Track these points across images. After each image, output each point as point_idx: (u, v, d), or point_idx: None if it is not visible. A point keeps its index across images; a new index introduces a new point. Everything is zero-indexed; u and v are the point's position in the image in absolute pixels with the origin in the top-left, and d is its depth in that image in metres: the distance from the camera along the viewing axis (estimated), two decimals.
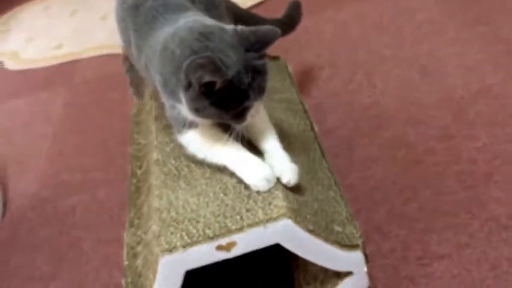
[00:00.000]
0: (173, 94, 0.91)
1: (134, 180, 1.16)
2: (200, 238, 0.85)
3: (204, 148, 0.96)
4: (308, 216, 0.89)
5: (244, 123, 0.90)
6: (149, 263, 0.92)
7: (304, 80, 1.67)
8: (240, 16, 1.24)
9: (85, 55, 2.22)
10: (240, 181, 0.93)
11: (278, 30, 0.88)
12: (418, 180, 1.27)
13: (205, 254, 0.85)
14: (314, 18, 1.93)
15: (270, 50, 1.43)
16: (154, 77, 0.96)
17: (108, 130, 1.75)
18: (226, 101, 0.85)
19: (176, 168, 1.00)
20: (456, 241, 1.12)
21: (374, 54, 1.69)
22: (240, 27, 0.89)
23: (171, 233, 0.87)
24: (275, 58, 1.40)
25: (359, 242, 0.92)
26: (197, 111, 0.88)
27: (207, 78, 0.83)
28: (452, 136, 1.34)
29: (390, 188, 1.27)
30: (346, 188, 1.29)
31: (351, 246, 0.91)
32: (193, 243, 0.85)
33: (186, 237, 0.86)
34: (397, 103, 1.49)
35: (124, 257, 1.02)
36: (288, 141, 1.07)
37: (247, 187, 0.91)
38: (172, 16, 0.97)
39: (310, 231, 0.86)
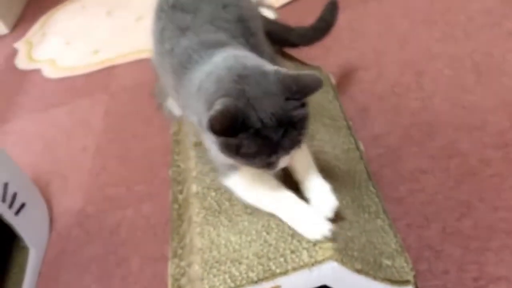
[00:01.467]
0: (208, 135, 0.87)
1: (176, 206, 1.14)
2: (244, 282, 0.82)
3: (252, 194, 0.91)
4: (355, 254, 0.84)
5: (275, 171, 0.85)
6: None
7: (348, 83, 1.60)
8: (270, 29, 1.18)
9: (122, 60, 2.21)
10: None
11: (321, 78, 0.82)
12: (472, 193, 1.19)
13: None
14: (356, 11, 1.85)
15: (310, 52, 1.39)
16: (192, 119, 0.93)
17: (149, 140, 1.74)
18: (252, 152, 0.80)
19: (217, 202, 0.97)
20: None
21: (423, 52, 1.60)
22: (282, 71, 0.83)
23: (214, 276, 0.84)
24: (316, 68, 1.34)
25: (410, 277, 0.87)
26: (225, 155, 0.83)
27: (224, 131, 0.79)
28: (509, 143, 1.26)
29: (442, 202, 1.20)
30: (395, 201, 1.23)
31: (402, 282, 0.86)
32: (236, 287, 0.82)
33: (229, 281, 0.83)
34: (448, 107, 1.41)
35: None
36: (332, 165, 1.03)
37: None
38: (208, 53, 0.91)
39: (358, 271, 0.82)
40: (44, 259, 1.50)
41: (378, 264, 0.87)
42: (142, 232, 1.46)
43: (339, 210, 0.91)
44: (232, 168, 0.91)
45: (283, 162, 0.84)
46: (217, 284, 0.83)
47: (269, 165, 0.83)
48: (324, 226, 0.84)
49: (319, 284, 0.82)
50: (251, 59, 0.88)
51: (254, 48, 0.96)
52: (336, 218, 0.89)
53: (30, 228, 1.49)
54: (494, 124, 1.31)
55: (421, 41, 1.64)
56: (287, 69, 0.84)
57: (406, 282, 0.86)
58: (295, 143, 0.82)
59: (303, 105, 0.82)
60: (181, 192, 1.15)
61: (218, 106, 0.79)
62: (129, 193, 1.60)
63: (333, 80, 1.32)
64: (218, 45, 0.93)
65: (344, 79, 1.60)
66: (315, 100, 1.15)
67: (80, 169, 1.75)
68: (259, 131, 0.79)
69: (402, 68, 1.57)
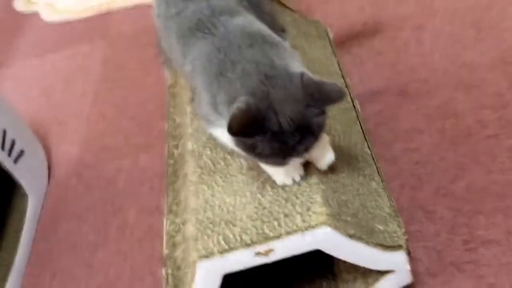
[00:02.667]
0: (216, 115, 0.88)
1: (171, 161, 1.15)
2: (238, 244, 0.84)
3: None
4: (348, 219, 0.86)
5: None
6: (187, 261, 0.92)
7: (346, 36, 1.58)
8: None
9: (121, 4, 2.16)
10: None
11: (344, 91, 0.82)
12: (467, 155, 1.20)
13: (242, 260, 0.84)
14: None
15: (309, 3, 1.36)
16: (200, 91, 0.92)
17: (147, 90, 1.73)
18: (266, 153, 0.82)
19: (212, 161, 0.98)
20: (506, 226, 1.07)
21: (423, 6, 1.57)
22: (306, 76, 0.83)
23: (208, 237, 0.86)
24: (316, 22, 1.32)
25: (403, 242, 0.89)
26: (238, 148, 0.85)
27: (242, 132, 0.80)
28: (506, 104, 1.26)
29: (437, 163, 1.21)
30: (389, 161, 1.24)
31: (394, 247, 0.88)
32: (230, 249, 0.83)
33: (223, 242, 0.84)
34: (447, 64, 1.40)
35: (164, 246, 1.03)
36: (327, 125, 1.03)
37: (284, 186, 0.89)
38: (221, 20, 0.90)
39: (351, 236, 0.84)
40: (43, 207, 1.53)
41: (371, 228, 0.88)
42: (139, 184, 1.48)
43: (334, 174, 0.93)
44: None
45: (295, 161, 0.85)
46: (211, 245, 0.85)
47: (279, 163, 0.85)
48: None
49: (312, 249, 0.84)
50: (277, 56, 0.86)
51: (256, 7, 0.95)
52: (331, 180, 0.91)
53: (29, 176, 1.50)
54: (492, 83, 1.31)
55: None
56: (310, 73, 0.84)
57: (398, 247, 0.88)
58: (309, 148, 0.83)
59: (322, 112, 0.82)
60: (176, 147, 1.15)
61: (240, 104, 0.80)
62: (126, 143, 1.60)
63: (331, 35, 1.31)
64: (229, 12, 0.91)
65: (342, 32, 1.58)
66: (313, 56, 1.14)
67: (78, 116, 1.74)
68: (275, 135, 0.80)
69: (401, 22, 1.55)
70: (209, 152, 1.00)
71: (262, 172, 0.92)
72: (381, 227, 0.90)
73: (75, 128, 1.72)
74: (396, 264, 0.88)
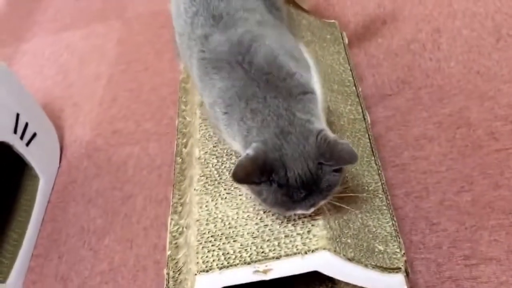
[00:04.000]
0: (226, 137, 0.90)
1: (179, 160, 1.16)
2: (237, 261, 0.85)
3: None
4: (349, 241, 0.87)
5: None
6: (188, 268, 0.93)
7: (363, 35, 1.56)
8: None
9: None
10: None
11: (356, 155, 0.82)
12: (475, 167, 1.20)
13: (241, 276, 0.85)
14: None
15: None
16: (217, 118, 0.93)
17: (161, 75, 1.73)
18: (271, 202, 0.83)
19: (217, 171, 0.99)
20: (508, 244, 1.07)
21: (443, 8, 1.54)
22: (323, 135, 0.83)
23: (208, 251, 0.87)
24: (331, 24, 1.31)
25: (402, 264, 0.89)
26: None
27: (245, 180, 0.82)
28: None
29: (444, 174, 1.21)
30: (397, 168, 1.24)
31: (392, 268, 0.88)
32: (229, 266, 0.85)
33: (222, 258, 0.86)
34: (463, 71, 1.38)
35: (167, 246, 1.05)
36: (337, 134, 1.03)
37: None
38: (250, 52, 0.90)
39: (350, 259, 0.84)
40: (53, 189, 1.55)
41: (371, 250, 0.89)
42: (148, 172, 1.49)
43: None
44: None
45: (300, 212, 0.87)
46: (211, 260, 0.86)
47: (284, 214, 0.87)
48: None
49: (310, 270, 0.85)
50: (299, 111, 0.86)
51: (277, 19, 0.94)
52: (334, 199, 0.91)
53: (40, 158, 1.52)
54: (507, 94, 1.29)
55: None
56: (330, 132, 0.85)
57: (397, 269, 0.88)
58: (315, 205, 0.84)
59: (337, 170, 0.83)
60: (185, 146, 1.16)
61: (250, 151, 0.81)
62: (137, 129, 1.62)
63: (346, 40, 1.29)
64: (251, 43, 0.91)
65: (359, 31, 1.56)
66: (326, 63, 1.14)
67: (92, 98, 1.76)
68: (281, 187, 0.81)
69: (419, 24, 1.53)
70: (215, 161, 1.01)
71: None
72: (381, 248, 0.90)
73: (88, 110, 1.74)
74: (394, 285, 0.89)
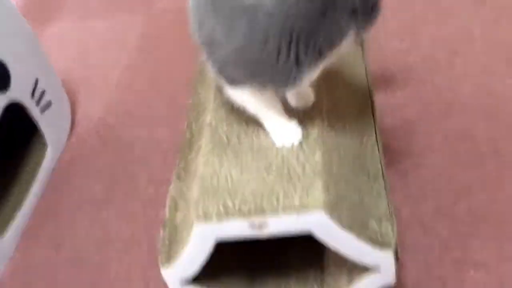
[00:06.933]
0: None
1: (188, 134, 1.18)
2: (235, 213, 0.87)
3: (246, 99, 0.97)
4: (344, 211, 0.89)
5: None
6: (186, 223, 0.95)
7: (381, 48, 1.60)
8: None
9: None
10: (284, 160, 0.93)
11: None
12: (475, 181, 1.22)
13: (237, 229, 0.87)
14: None
15: None
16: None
17: (179, 68, 1.77)
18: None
19: (227, 137, 1.01)
20: (499, 253, 1.09)
21: (463, 32, 1.59)
22: None
23: (209, 202, 0.89)
24: None
25: (392, 242, 0.90)
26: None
27: None
28: None
29: (444, 183, 1.23)
30: (398, 172, 1.27)
31: (383, 244, 0.90)
32: (227, 216, 0.87)
33: (222, 209, 0.88)
34: (473, 91, 1.42)
35: (167, 210, 1.06)
36: (343, 122, 1.06)
37: (289, 168, 0.92)
38: None
39: (344, 226, 0.86)
40: (60, 160, 1.58)
41: (365, 225, 0.91)
42: (153, 155, 1.52)
43: (340, 168, 0.96)
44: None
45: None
46: (210, 209, 0.88)
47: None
48: (294, 135, 0.95)
49: (304, 230, 0.86)
50: None
51: None
52: (335, 173, 0.94)
53: (52, 127, 1.55)
54: None
55: (463, 20, 1.62)
56: None
57: (387, 244, 0.89)
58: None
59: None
60: (196, 121, 1.19)
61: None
62: (149, 113, 1.65)
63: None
64: None
65: (378, 44, 1.60)
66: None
67: (108, 81, 1.80)
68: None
69: (438, 44, 1.57)
70: (225, 128, 1.03)
71: (271, 151, 0.95)
72: (375, 224, 0.92)
73: (103, 91, 1.78)
74: (382, 261, 0.90)
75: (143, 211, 1.38)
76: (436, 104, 1.41)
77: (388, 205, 0.97)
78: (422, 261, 1.11)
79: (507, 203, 1.17)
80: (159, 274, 1.01)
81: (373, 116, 1.13)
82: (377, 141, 1.08)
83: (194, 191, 0.95)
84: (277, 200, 0.87)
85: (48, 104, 1.54)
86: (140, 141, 1.57)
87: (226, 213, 0.87)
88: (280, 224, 0.86)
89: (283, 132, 0.97)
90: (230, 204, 0.88)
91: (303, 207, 0.85)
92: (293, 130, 0.97)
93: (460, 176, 1.24)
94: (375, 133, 1.10)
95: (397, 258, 0.92)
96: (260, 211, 0.86)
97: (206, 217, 0.87)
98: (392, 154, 1.30)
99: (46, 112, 1.53)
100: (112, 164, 1.52)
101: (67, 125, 1.65)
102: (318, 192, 0.86)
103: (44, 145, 1.53)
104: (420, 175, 1.26)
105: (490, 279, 1.05)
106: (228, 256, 1.08)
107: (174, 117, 1.60)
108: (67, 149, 1.60)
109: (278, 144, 0.97)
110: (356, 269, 0.96)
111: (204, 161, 0.99)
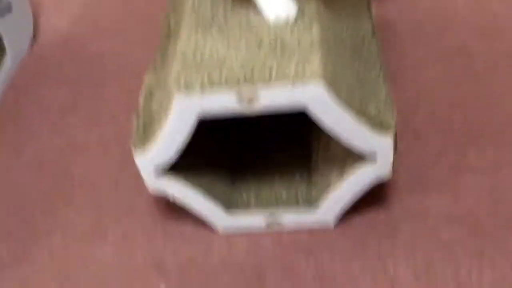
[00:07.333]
0: None
1: (165, 32, 1.07)
2: (222, 84, 0.77)
3: None
4: (343, 88, 0.80)
5: None
6: (163, 108, 0.85)
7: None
8: None
9: None
10: (277, 36, 0.84)
11: None
12: (470, 94, 1.14)
13: (223, 102, 0.77)
14: None
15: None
16: None
17: None
18: None
19: (212, 17, 0.91)
20: (496, 158, 1.02)
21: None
22: None
23: (191, 74, 0.79)
24: None
25: (392, 127, 0.82)
26: None
27: None
28: None
29: (439, 95, 1.15)
30: (390, 84, 1.19)
31: (382, 128, 0.82)
32: (212, 87, 0.77)
33: (206, 79, 0.78)
34: (469, 7, 1.35)
35: (141, 100, 0.96)
36: (339, 11, 0.97)
37: (284, 43, 0.82)
38: None
39: (342, 102, 0.77)
40: (21, 69, 1.45)
41: (364, 107, 0.82)
42: (125, 65, 1.39)
43: (338, 53, 0.87)
44: None
45: None
46: (193, 81, 0.78)
47: None
48: (288, 8, 0.86)
49: (299, 105, 0.77)
50: None
51: None
52: (334, 53, 0.85)
53: (12, 33, 1.42)
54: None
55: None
56: None
57: (387, 129, 0.81)
58: None
59: None
60: (174, 17, 1.07)
61: None
62: (120, 26, 1.52)
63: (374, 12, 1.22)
64: None
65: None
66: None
67: None
68: None
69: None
70: (209, 5, 0.93)
71: (262, 28, 0.86)
72: (374, 109, 0.84)
73: (69, 4, 1.64)
74: (380, 147, 0.82)
75: (111, 118, 1.27)
76: (430, 21, 1.33)
77: (387, 93, 0.89)
78: (416, 166, 1.03)
79: (504, 116, 1.10)
80: (129, 178, 0.91)
81: (369, 10, 1.05)
82: (373, 33, 1.00)
83: (174, 67, 0.84)
84: (270, 71, 0.78)
85: (8, 7, 1.41)
86: (110, 53, 1.45)
87: (211, 83, 0.77)
88: (272, 96, 0.77)
89: (276, 5, 0.87)
90: (216, 75, 0.78)
91: (299, 78, 0.76)
92: (287, 3, 0.87)
93: (455, 90, 1.17)
94: (371, 26, 1.01)
95: (395, 148, 0.85)
96: (250, 82, 0.77)
97: (188, 87, 0.77)
98: (389, 68, 1.23)
99: (6, 16, 1.40)
100: (79, 74, 1.40)
101: (29, 33, 1.51)
102: (315, 64, 0.77)
103: (2, 50, 1.41)
104: (413, 87, 1.18)
105: (486, 182, 0.99)
106: (209, 152, 0.99)
107: (149, 34, 1.48)
108: (31, 58, 1.47)
109: (271, 19, 0.87)
110: (349, 159, 0.88)
111: (185, 39, 0.88)
